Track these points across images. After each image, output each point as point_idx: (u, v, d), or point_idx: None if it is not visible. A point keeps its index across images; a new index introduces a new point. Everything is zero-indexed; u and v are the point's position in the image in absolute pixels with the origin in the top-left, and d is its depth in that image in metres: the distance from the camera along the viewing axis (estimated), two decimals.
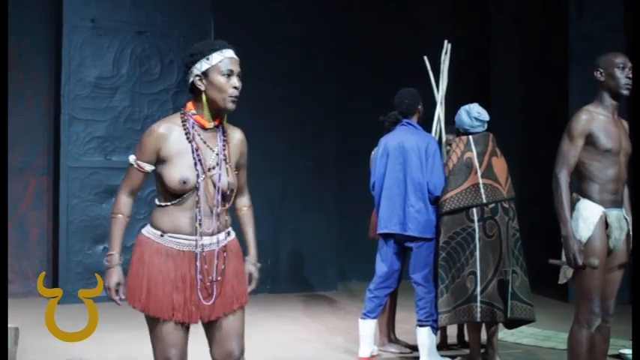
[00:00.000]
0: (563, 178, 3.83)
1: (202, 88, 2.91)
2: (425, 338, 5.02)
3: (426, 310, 5.04)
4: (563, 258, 3.93)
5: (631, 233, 4.00)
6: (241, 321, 3.04)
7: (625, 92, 3.88)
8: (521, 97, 9.23)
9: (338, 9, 8.75)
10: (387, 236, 5.22)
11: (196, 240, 2.90)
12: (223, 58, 2.89)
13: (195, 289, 2.90)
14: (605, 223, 3.87)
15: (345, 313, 7.22)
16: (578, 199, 3.91)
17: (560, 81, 8.09)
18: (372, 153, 5.61)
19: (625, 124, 4.04)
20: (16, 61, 7.43)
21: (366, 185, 5.47)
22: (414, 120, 5.30)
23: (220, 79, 2.88)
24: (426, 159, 5.08)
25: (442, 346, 5.60)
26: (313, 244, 8.51)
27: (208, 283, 2.91)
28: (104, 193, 7.66)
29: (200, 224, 2.89)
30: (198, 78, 2.91)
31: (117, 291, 2.94)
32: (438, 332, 5.35)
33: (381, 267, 5.27)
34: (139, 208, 7.76)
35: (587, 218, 3.85)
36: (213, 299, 2.92)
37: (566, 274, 3.95)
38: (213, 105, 2.92)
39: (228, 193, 2.95)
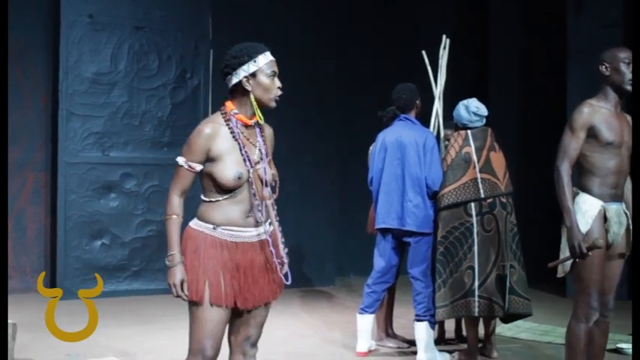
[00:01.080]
0: (565, 169, 3.84)
1: (249, 88, 3.11)
2: (423, 333, 5.03)
3: (423, 304, 5.05)
4: (563, 255, 3.93)
5: (631, 228, 4.00)
6: (267, 312, 3.26)
7: (628, 88, 3.89)
8: (519, 92, 9.23)
9: (339, 6, 8.74)
10: (385, 231, 5.23)
11: (254, 228, 3.11)
12: (268, 61, 3.13)
13: (248, 277, 3.09)
14: (604, 217, 3.88)
15: (343, 308, 7.23)
16: (578, 193, 3.92)
17: (559, 77, 8.10)
18: (370, 148, 5.61)
19: (628, 118, 4.04)
20: (13, 58, 7.42)
21: (364, 181, 5.48)
22: (412, 115, 5.30)
23: (267, 81, 3.12)
24: (424, 154, 5.09)
25: (440, 340, 5.61)
26: (312, 240, 8.51)
27: (268, 265, 3.14)
28: (102, 189, 7.65)
29: (253, 213, 3.10)
30: (246, 79, 3.09)
31: (182, 288, 3.03)
32: (436, 327, 5.36)
33: (379, 262, 5.27)
34: (137, 204, 7.78)
35: (585, 212, 3.86)
36: (283, 279, 3.15)
37: (564, 267, 3.96)
38: (259, 104, 3.14)
39: (273, 184, 3.19)
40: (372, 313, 5.29)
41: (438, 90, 5.42)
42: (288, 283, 3.19)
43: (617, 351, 5.40)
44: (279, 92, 3.16)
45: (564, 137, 3.89)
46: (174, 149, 7.78)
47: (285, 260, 3.19)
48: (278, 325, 6.38)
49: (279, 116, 8.91)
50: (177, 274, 3.03)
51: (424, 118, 5.37)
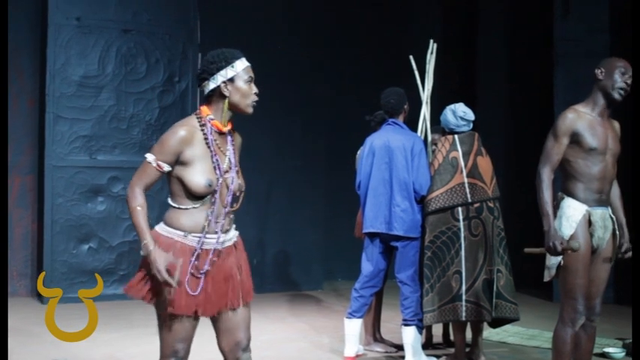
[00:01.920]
0: (546, 174, 3.88)
1: (227, 94, 3.10)
2: (410, 337, 5.03)
3: (411, 309, 5.05)
4: (548, 260, 3.94)
5: (617, 232, 4.02)
6: (249, 313, 3.23)
7: (617, 96, 3.91)
8: (506, 96, 9.27)
9: (327, 9, 8.74)
10: (372, 235, 5.23)
11: (200, 237, 3.04)
12: (245, 66, 3.13)
13: (215, 284, 3.06)
14: (589, 222, 3.90)
15: (331, 313, 7.22)
16: (563, 198, 3.95)
17: (545, 81, 8.13)
18: (358, 152, 5.62)
19: (616, 125, 4.06)
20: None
21: (352, 185, 5.48)
22: (400, 119, 5.31)
23: (244, 86, 3.12)
24: (412, 158, 5.09)
25: (427, 345, 5.62)
26: (299, 244, 8.51)
27: (197, 276, 3.04)
28: (89, 193, 7.62)
29: (215, 223, 3.06)
30: (224, 85, 3.09)
31: (167, 272, 2.96)
32: (424, 331, 5.37)
33: (366, 266, 5.27)
34: (124, 207, 7.74)
35: (570, 217, 3.88)
36: (198, 292, 3.02)
37: (550, 271, 3.97)
38: (235, 109, 3.13)
39: (237, 194, 3.16)
40: (359, 317, 5.29)
41: (426, 94, 5.43)
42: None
43: (604, 355, 5.42)
44: (256, 98, 3.15)
45: (547, 142, 3.92)
46: None
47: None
48: (265, 329, 6.38)
49: (267, 120, 8.94)
50: (158, 258, 2.96)
51: (412, 123, 5.38)
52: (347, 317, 5.30)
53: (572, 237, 3.86)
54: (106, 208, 7.67)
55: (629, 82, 3.92)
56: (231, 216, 3.18)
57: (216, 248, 3.07)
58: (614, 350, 5.47)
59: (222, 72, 3.08)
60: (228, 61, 3.08)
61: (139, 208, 3.04)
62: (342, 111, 8.93)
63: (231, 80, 3.09)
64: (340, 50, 9.07)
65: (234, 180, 3.13)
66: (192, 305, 3.01)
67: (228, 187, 3.11)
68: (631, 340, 5.51)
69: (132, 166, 7.76)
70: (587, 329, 4.02)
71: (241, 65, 3.11)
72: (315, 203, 8.61)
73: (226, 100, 3.10)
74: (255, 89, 3.15)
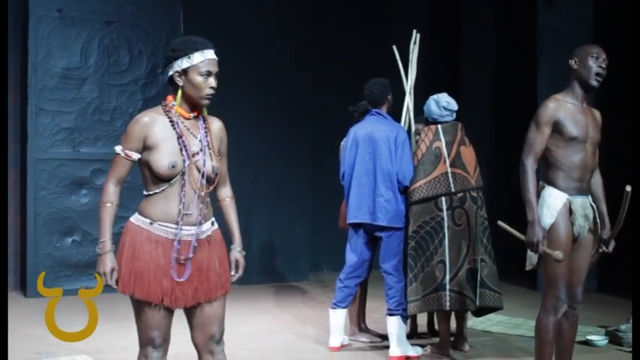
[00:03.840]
0: (530, 164, 3.89)
1: (180, 84, 3.07)
2: (395, 327, 5.05)
3: (395, 299, 5.07)
4: (535, 255, 3.96)
5: (598, 221, 4.04)
6: (223, 307, 3.19)
7: (594, 83, 3.93)
8: (490, 86, 9.29)
9: (312, 2, 8.72)
10: (356, 226, 5.24)
11: (178, 222, 3.03)
12: (204, 59, 3.06)
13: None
14: (570, 211, 3.92)
15: (317, 304, 7.24)
16: (544, 187, 3.97)
17: (529, 71, 8.16)
18: (342, 143, 5.62)
19: (596, 113, 4.07)
20: None
21: (336, 176, 5.48)
22: (383, 110, 5.31)
23: (198, 79, 3.05)
24: (396, 148, 5.10)
25: (412, 334, 5.64)
26: (284, 235, 8.51)
27: (182, 262, 3.05)
28: (72, 185, 7.58)
29: (184, 208, 3.03)
30: (177, 74, 3.07)
31: (111, 276, 3.06)
32: (408, 321, 5.39)
33: (351, 257, 5.28)
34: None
35: (550, 205, 3.90)
36: (186, 276, 3.04)
37: (531, 260, 4.00)
38: (189, 100, 3.10)
39: (212, 177, 3.11)
40: (344, 307, 5.30)
41: (409, 85, 5.44)
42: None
43: (587, 343, 5.46)
44: (211, 92, 3.08)
45: (530, 132, 3.94)
46: None
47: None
48: (250, 321, 6.38)
49: (252, 113, 8.92)
50: (107, 262, 3.05)
51: (395, 113, 5.38)
52: (332, 308, 5.31)
53: (551, 229, 3.86)
54: (89, 200, 7.62)
55: (603, 65, 3.92)
56: (207, 206, 3.13)
57: (184, 239, 3.05)
58: (596, 338, 5.51)
59: (178, 62, 3.06)
60: (187, 52, 3.05)
61: (108, 204, 3.10)
62: (327, 104, 8.90)
63: (185, 71, 3.05)
64: (324, 42, 9.03)
65: (206, 162, 3.09)
66: (155, 293, 3.02)
67: (199, 170, 3.07)
68: (614, 328, 5.57)
69: None
70: (569, 317, 4.05)
71: (200, 57, 3.05)
72: (300, 195, 8.61)
73: (179, 90, 3.08)
74: (211, 83, 3.07)
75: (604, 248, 4.08)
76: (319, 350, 5.40)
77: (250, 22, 8.23)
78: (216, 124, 3.23)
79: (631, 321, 5.03)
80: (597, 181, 4.12)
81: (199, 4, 8.08)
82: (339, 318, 5.29)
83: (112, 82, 7.76)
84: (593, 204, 4.03)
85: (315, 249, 8.87)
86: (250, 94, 8.25)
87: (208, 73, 3.06)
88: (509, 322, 6.23)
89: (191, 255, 3.06)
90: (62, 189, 7.54)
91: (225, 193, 3.35)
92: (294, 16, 8.53)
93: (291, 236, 8.55)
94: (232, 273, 3.27)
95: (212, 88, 3.07)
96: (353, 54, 9.25)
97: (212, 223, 3.19)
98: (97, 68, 7.69)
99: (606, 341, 5.51)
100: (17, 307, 6.69)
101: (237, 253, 3.32)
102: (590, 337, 5.50)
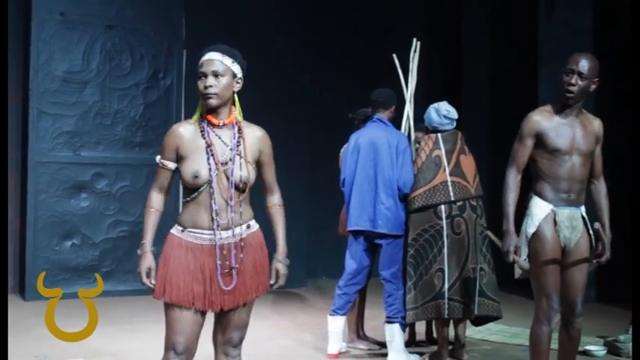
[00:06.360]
0: (512, 176, 3.94)
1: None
2: (393, 335, 5.04)
3: (394, 306, 5.07)
4: (520, 255, 3.98)
5: (591, 232, 4.00)
6: (249, 312, 3.28)
7: (563, 98, 3.87)
8: (490, 96, 9.29)
9: (312, 8, 8.73)
10: (356, 233, 5.24)
11: (214, 231, 3.08)
12: (202, 62, 3.14)
13: (215, 280, 3.09)
14: (555, 221, 3.90)
15: (315, 310, 7.23)
16: (532, 197, 3.99)
17: (530, 82, 8.16)
18: (342, 149, 5.62)
19: (595, 123, 3.99)
20: None
21: (335, 182, 5.48)
22: (385, 116, 5.31)
23: (198, 81, 3.14)
24: (397, 156, 5.11)
25: (410, 342, 5.64)
26: None
27: (226, 270, 3.11)
28: (73, 189, 7.58)
29: (216, 215, 3.08)
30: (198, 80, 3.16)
31: (148, 275, 3.12)
32: (407, 329, 5.39)
33: (350, 264, 5.28)
34: (108, 204, 7.72)
35: (534, 215, 3.93)
36: (232, 285, 3.11)
37: (518, 269, 4.01)
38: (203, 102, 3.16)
39: (241, 186, 3.14)
40: (343, 314, 5.30)
41: (409, 93, 5.44)
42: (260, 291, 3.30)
43: (586, 353, 5.45)
44: (208, 91, 3.10)
45: (514, 144, 3.99)
46: (146, 149, 7.74)
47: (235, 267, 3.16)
48: (249, 327, 6.37)
49: (249, 117, 8.88)
50: (145, 261, 3.12)
51: (395, 122, 5.39)
52: (330, 315, 5.31)
53: (533, 238, 3.90)
54: (89, 204, 7.63)
55: (573, 81, 3.82)
56: (243, 210, 3.17)
57: (212, 244, 3.10)
58: (595, 348, 5.51)
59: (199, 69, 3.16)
60: (201, 58, 3.16)
61: (151, 209, 3.19)
62: (324, 109, 8.90)
63: (197, 76, 3.15)
64: (322, 43, 9.02)
65: (234, 171, 3.11)
66: (185, 297, 3.07)
67: (228, 179, 3.11)
68: (613, 338, 5.57)
69: (116, 162, 7.75)
70: (570, 331, 4.01)
71: (201, 60, 3.15)
72: (298, 201, 8.58)
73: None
74: (206, 83, 3.11)
75: (597, 260, 3.98)
76: (317, 357, 5.40)
77: (251, 27, 8.24)
78: (254, 134, 3.28)
79: (630, 331, 5.03)
80: (600, 190, 4.07)
81: (201, 9, 8.10)
82: (337, 325, 5.29)
83: (113, 86, 7.77)
84: (585, 215, 3.99)
85: (313, 255, 8.85)
86: (249, 95, 8.23)
87: (203, 74, 3.12)
88: (507, 332, 6.22)
89: (236, 264, 3.12)
90: (62, 192, 7.54)
91: (273, 201, 3.45)
92: (292, 18, 8.53)
93: (288, 242, 8.43)
94: (272, 282, 3.35)
95: (206, 87, 3.10)
96: (351, 55, 9.25)
97: (247, 227, 3.23)
98: (98, 72, 7.71)
99: (605, 351, 5.51)
100: (17, 310, 6.68)
101: (278, 262, 3.39)
102: (588, 348, 5.49)
